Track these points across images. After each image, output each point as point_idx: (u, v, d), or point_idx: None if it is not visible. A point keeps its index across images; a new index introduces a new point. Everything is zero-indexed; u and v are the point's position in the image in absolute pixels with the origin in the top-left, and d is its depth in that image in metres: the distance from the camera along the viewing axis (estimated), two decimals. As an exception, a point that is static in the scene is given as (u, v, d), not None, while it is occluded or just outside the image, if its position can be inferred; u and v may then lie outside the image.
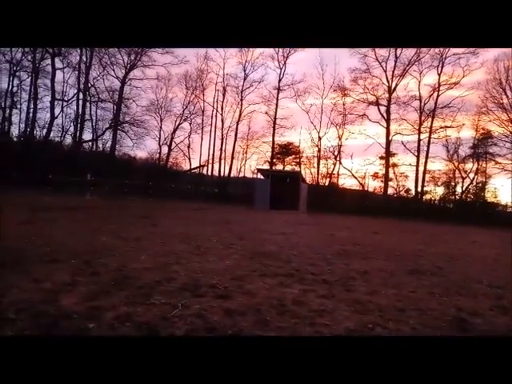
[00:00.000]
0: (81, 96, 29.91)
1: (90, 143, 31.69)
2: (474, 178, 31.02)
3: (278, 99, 33.73)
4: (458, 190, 31.53)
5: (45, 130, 28.46)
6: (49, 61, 27.84)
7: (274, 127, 33.74)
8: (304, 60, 39.64)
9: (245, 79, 33.91)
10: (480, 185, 30.96)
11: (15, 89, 28.77)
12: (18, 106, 29.43)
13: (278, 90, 33.61)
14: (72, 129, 30.29)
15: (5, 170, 20.26)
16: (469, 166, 31.40)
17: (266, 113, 34.14)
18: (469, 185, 31.13)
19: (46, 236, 5.95)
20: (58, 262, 4.29)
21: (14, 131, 30.05)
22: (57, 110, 28.95)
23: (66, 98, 30.27)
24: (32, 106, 28.55)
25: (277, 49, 32.11)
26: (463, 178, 31.25)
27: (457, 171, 31.28)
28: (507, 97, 28.21)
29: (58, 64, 28.71)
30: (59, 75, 29.50)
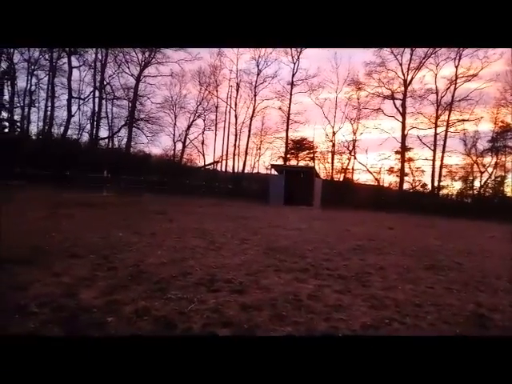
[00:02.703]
0: (97, 94, 30.24)
1: (106, 140, 32.15)
2: (492, 173, 30.28)
3: (291, 94, 33.45)
4: (476, 184, 30.86)
5: (62, 128, 29.01)
6: (65, 59, 28.32)
7: (287, 122, 33.52)
8: (317, 54, 39.23)
9: (258, 75, 33.72)
10: (499, 179, 30.21)
11: (33, 87, 29.39)
12: (37, 105, 30.07)
13: (292, 84, 33.33)
14: (88, 126, 30.73)
15: (24, 168, 20.74)
16: (487, 159, 30.62)
17: (280, 108, 33.92)
18: (487, 179, 30.40)
19: (65, 232, 6.09)
20: (77, 257, 4.39)
21: (33, 129, 30.78)
22: (73, 108, 29.42)
23: (82, 96, 30.74)
24: (49, 105, 29.06)
25: (290, 43, 31.85)
26: (481, 173, 30.52)
27: (475, 165, 30.58)
28: (527, 88, 27.40)
29: (75, 62, 29.16)
30: (75, 74, 30.04)
